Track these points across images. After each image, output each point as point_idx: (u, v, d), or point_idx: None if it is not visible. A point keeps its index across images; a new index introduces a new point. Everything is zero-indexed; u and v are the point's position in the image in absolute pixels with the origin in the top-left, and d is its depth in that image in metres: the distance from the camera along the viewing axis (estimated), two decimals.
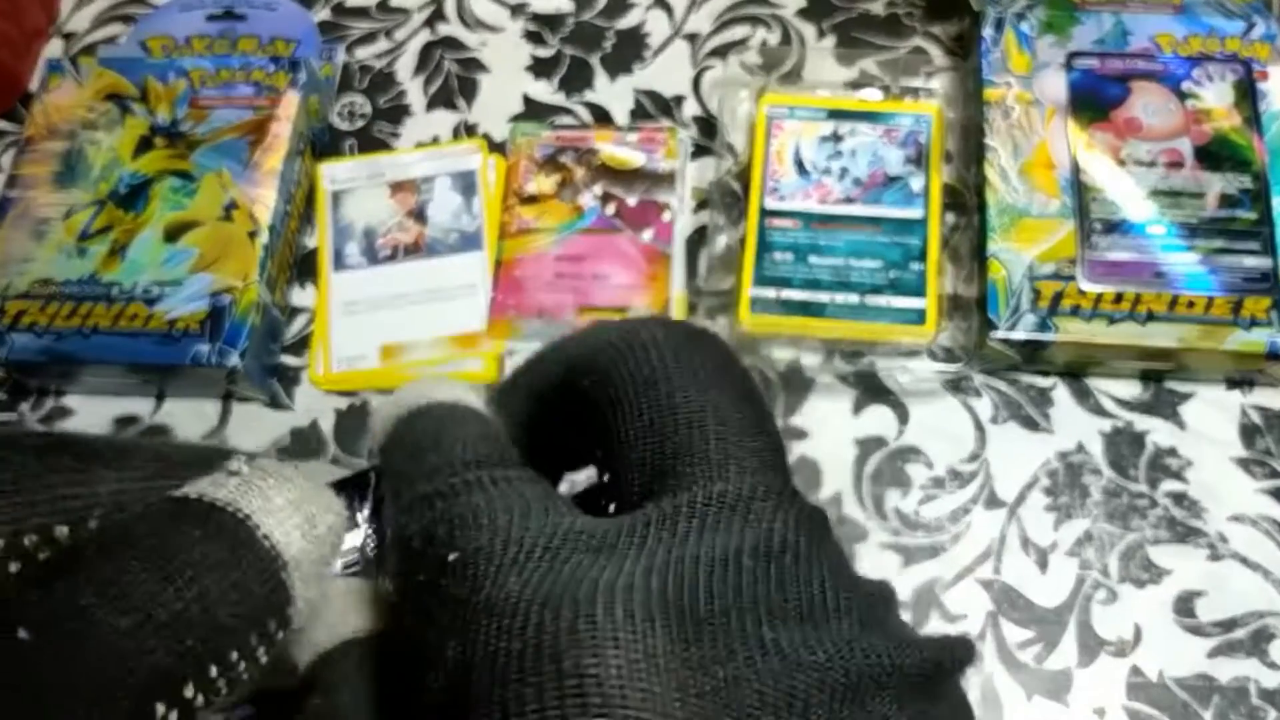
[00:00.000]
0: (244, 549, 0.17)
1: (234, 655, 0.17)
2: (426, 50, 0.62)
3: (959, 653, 0.17)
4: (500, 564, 0.16)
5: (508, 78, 0.61)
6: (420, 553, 0.17)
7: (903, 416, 0.51)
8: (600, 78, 0.61)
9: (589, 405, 0.20)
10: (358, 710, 0.19)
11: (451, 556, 0.17)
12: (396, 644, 0.19)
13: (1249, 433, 0.49)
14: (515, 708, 0.14)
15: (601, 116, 0.59)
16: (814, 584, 0.16)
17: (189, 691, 0.16)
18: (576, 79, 0.61)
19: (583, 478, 0.22)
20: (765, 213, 0.52)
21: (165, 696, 0.16)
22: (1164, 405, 0.50)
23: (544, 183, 0.57)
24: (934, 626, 0.46)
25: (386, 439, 0.20)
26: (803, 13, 0.61)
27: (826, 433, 0.51)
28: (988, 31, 0.55)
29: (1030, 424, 0.50)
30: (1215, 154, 0.51)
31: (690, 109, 0.59)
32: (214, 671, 0.17)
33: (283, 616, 0.18)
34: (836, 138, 0.54)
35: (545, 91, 0.61)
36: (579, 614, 0.15)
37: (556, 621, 0.15)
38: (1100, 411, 0.50)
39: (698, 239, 0.55)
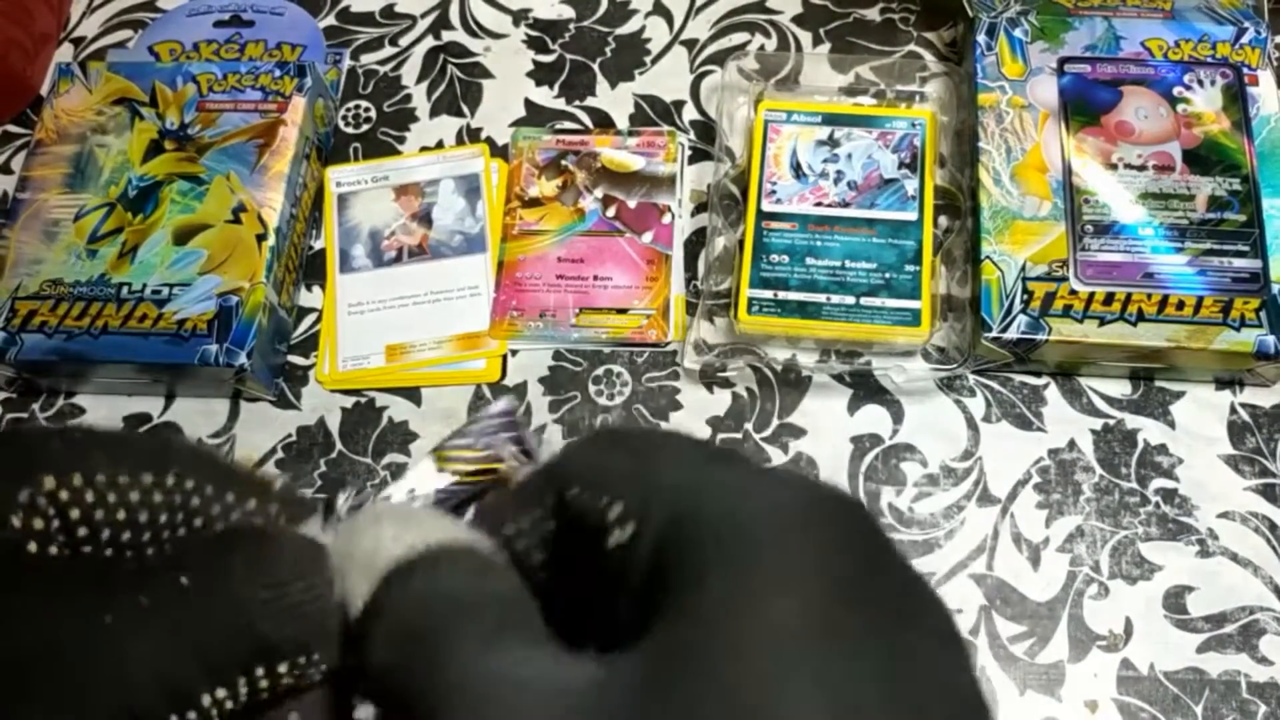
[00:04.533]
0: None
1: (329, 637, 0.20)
2: (430, 56, 0.63)
3: None
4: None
5: (510, 83, 0.62)
6: None
7: (897, 415, 0.52)
8: (601, 83, 0.62)
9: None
10: None
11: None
12: None
13: (1238, 431, 0.50)
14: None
15: (602, 121, 0.60)
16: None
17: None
18: (577, 84, 0.62)
19: None
20: (763, 215, 0.53)
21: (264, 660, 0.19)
22: (1154, 404, 0.51)
23: (546, 186, 0.58)
24: None
25: (378, 608, 0.20)
26: (799, 19, 0.62)
27: (823, 431, 0.52)
28: (981, 37, 0.56)
29: (1023, 422, 0.51)
30: (1205, 157, 0.52)
31: (689, 114, 0.60)
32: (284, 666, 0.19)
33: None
34: (832, 142, 0.55)
35: (547, 96, 0.61)
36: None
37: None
38: (1092, 410, 0.51)
39: (697, 241, 0.56)
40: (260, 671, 0.18)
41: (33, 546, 0.19)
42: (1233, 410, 0.51)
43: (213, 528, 0.21)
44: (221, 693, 0.18)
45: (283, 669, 0.19)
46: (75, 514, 0.20)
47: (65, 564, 0.19)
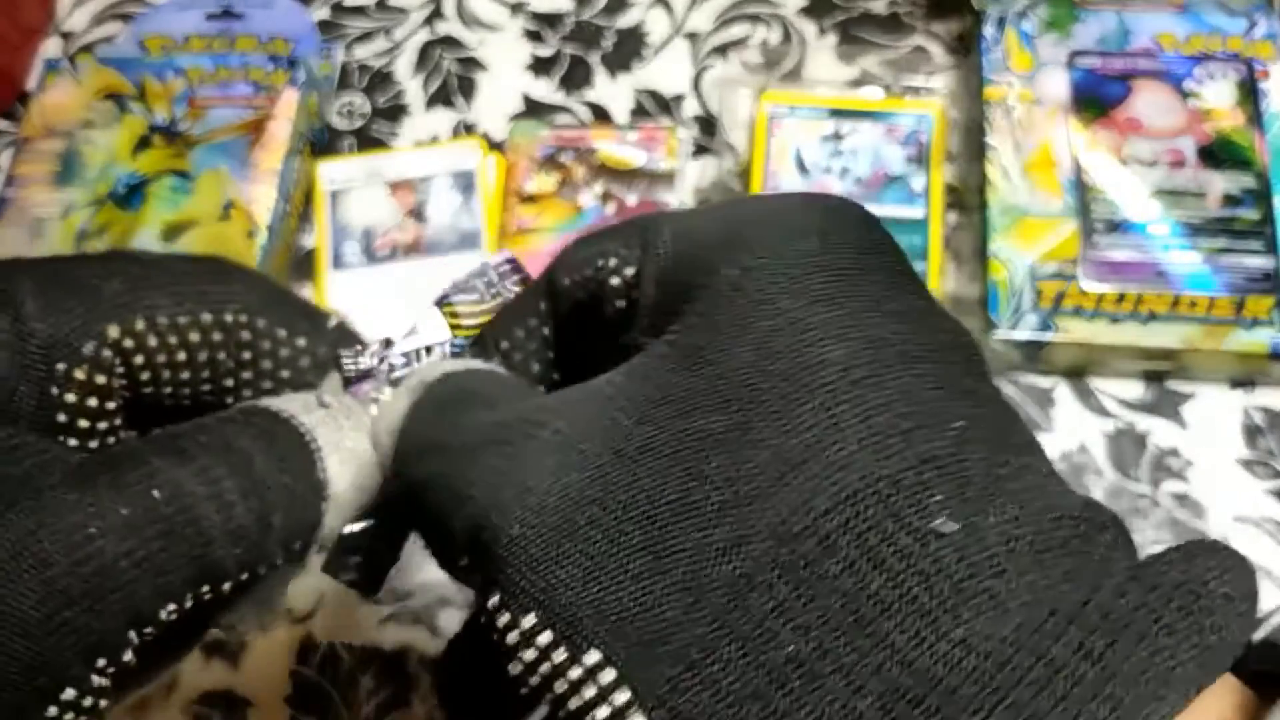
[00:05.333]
0: (304, 472, 0.20)
1: (272, 552, 0.20)
2: (425, 49, 0.62)
3: None
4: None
5: (507, 76, 0.61)
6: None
7: None
8: (600, 76, 0.60)
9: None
10: None
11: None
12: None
13: (1251, 433, 0.49)
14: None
15: (601, 115, 0.59)
16: None
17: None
18: (576, 78, 0.60)
19: None
20: None
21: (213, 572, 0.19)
22: (1166, 405, 0.50)
23: (543, 182, 0.56)
24: None
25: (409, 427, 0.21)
26: (803, 11, 0.61)
27: None
28: (989, 30, 0.54)
29: (1032, 424, 0.50)
30: (1217, 153, 0.51)
31: (690, 108, 0.59)
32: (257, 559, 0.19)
33: (309, 539, 0.20)
34: (837, 136, 0.54)
35: (545, 90, 0.60)
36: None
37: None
38: (1102, 412, 0.50)
39: None
40: (205, 589, 0.19)
41: (69, 442, 0.20)
42: (1246, 413, 0.50)
43: (260, 365, 0.21)
44: (171, 607, 0.18)
45: (226, 588, 0.19)
46: (139, 360, 0.20)
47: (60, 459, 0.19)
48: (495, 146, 0.59)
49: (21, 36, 0.63)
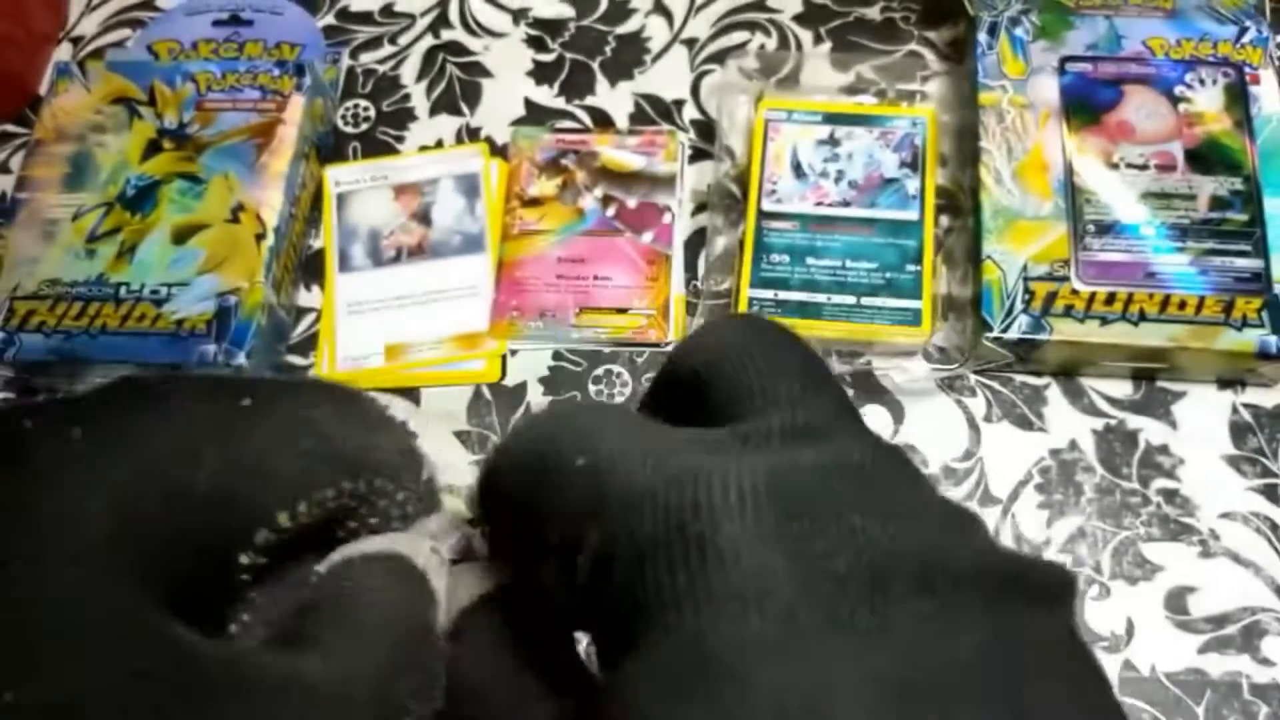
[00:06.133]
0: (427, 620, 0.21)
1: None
2: (430, 55, 0.63)
3: (1054, 575, 0.17)
4: (629, 463, 0.18)
5: (510, 82, 0.62)
6: (544, 459, 0.20)
7: (898, 415, 0.52)
8: (601, 82, 0.61)
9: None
10: (495, 656, 0.22)
11: (580, 461, 0.19)
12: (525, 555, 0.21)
13: (1239, 431, 0.50)
14: (651, 575, 0.17)
15: (602, 120, 0.60)
16: (895, 492, 0.18)
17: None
18: (577, 83, 0.61)
19: None
20: (763, 215, 0.53)
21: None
22: (1156, 404, 0.51)
23: (545, 185, 0.57)
24: None
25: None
26: (800, 18, 0.62)
27: None
28: (982, 36, 0.55)
29: (1024, 423, 0.51)
30: (1206, 157, 0.52)
31: (689, 113, 0.60)
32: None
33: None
34: (833, 141, 0.55)
35: (547, 95, 0.61)
36: (699, 494, 0.17)
37: (681, 499, 0.17)
38: (1093, 410, 0.51)
39: (697, 241, 0.56)
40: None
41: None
42: (1234, 410, 0.50)
43: (367, 517, 0.22)
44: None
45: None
46: (289, 537, 0.20)
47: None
48: (498, 151, 0.60)
49: (33, 42, 0.64)
